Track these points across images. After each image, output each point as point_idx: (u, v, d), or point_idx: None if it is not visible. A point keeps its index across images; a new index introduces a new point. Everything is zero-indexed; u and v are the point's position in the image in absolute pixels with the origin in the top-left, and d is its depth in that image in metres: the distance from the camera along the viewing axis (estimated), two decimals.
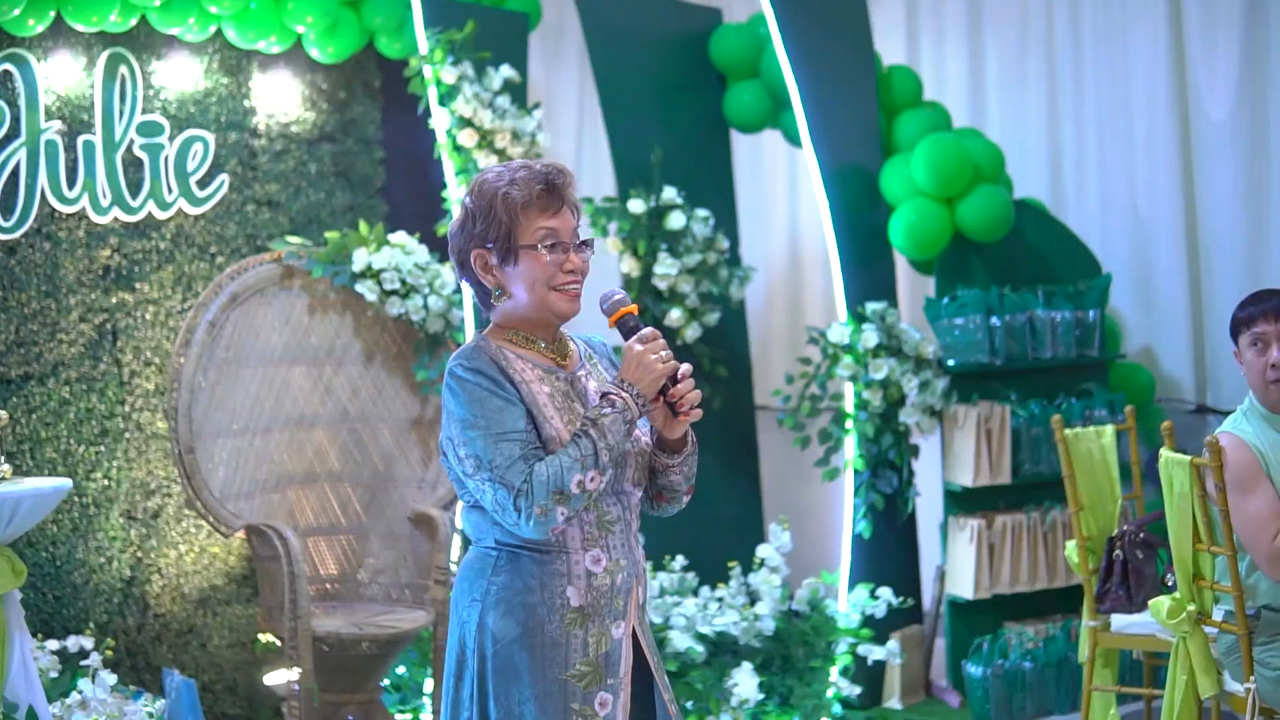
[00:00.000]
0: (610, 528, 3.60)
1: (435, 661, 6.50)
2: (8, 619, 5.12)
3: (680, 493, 3.77)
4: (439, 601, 6.45)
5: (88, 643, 6.14)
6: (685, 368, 3.59)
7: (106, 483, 6.74)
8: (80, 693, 5.34)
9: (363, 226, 6.91)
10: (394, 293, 6.79)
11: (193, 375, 6.39)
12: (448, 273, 6.94)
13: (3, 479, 5.23)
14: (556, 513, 3.42)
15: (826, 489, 7.69)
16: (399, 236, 6.90)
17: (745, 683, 6.43)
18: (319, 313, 6.89)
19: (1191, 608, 4.94)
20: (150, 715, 5.92)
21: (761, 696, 6.47)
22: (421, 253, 6.89)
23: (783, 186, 8.62)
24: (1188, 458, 4.87)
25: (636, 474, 3.67)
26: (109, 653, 6.16)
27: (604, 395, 3.55)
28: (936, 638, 7.28)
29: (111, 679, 5.63)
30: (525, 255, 3.54)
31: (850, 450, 6.97)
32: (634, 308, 3.67)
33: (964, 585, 6.89)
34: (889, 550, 7.07)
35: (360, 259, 6.76)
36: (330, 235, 6.88)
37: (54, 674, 5.80)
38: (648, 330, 3.60)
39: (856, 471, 6.97)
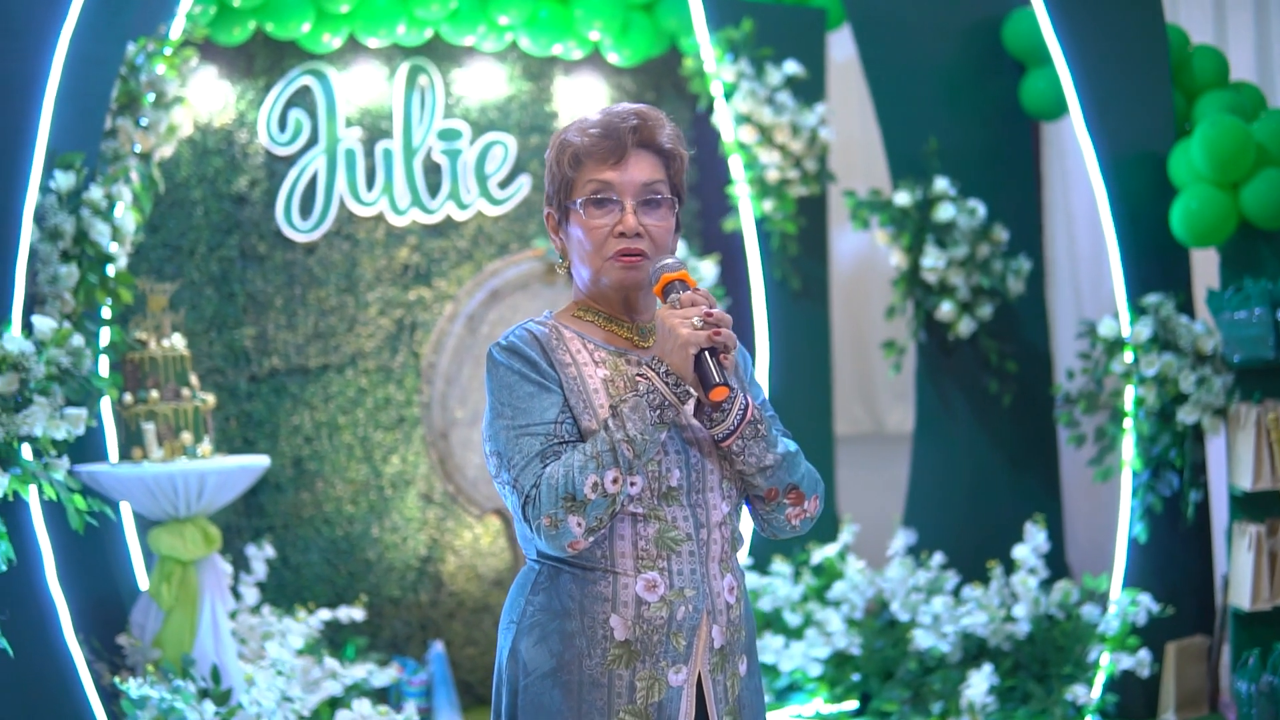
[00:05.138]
0: (674, 547, 2.93)
1: None
2: (201, 583, 5.60)
3: (761, 494, 3.02)
4: None
5: (357, 613, 6.60)
6: (727, 334, 2.88)
7: (403, 467, 7.19)
8: (268, 656, 5.75)
9: None
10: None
11: (448, 366, 6.75)
12: (706, 267, 7.06)
13: (201, 456, 5.72)
14: (570, 523, 2.81)
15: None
16: None
17: (977, 685, 6.26)
18: None
19: None
20: (401, 684, 6.33)
21: (989, 700, 6.27)
22: (680, 248, 7.02)
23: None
24: None
25: (726, 482, 3.01)
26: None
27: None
28: (1224, 648, 6.84)
29: (298, 644, 6.05)
30: (573, 214, 3.00)
31: (1128, 450, 6.65)
32: (684, 274, 2.94)
33: (1243, 595, 6.46)
34: (1172, 555, 6.71)
35: None
36: None
37: (297, 641, 6.25)
38: (685, 294, 2.91)
39: (1135, 472, 6.65)
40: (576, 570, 2.93)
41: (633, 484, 2.88)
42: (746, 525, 3.31)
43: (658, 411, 2.85)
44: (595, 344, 3.02)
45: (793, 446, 3.05)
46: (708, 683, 2.97)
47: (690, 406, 2.99)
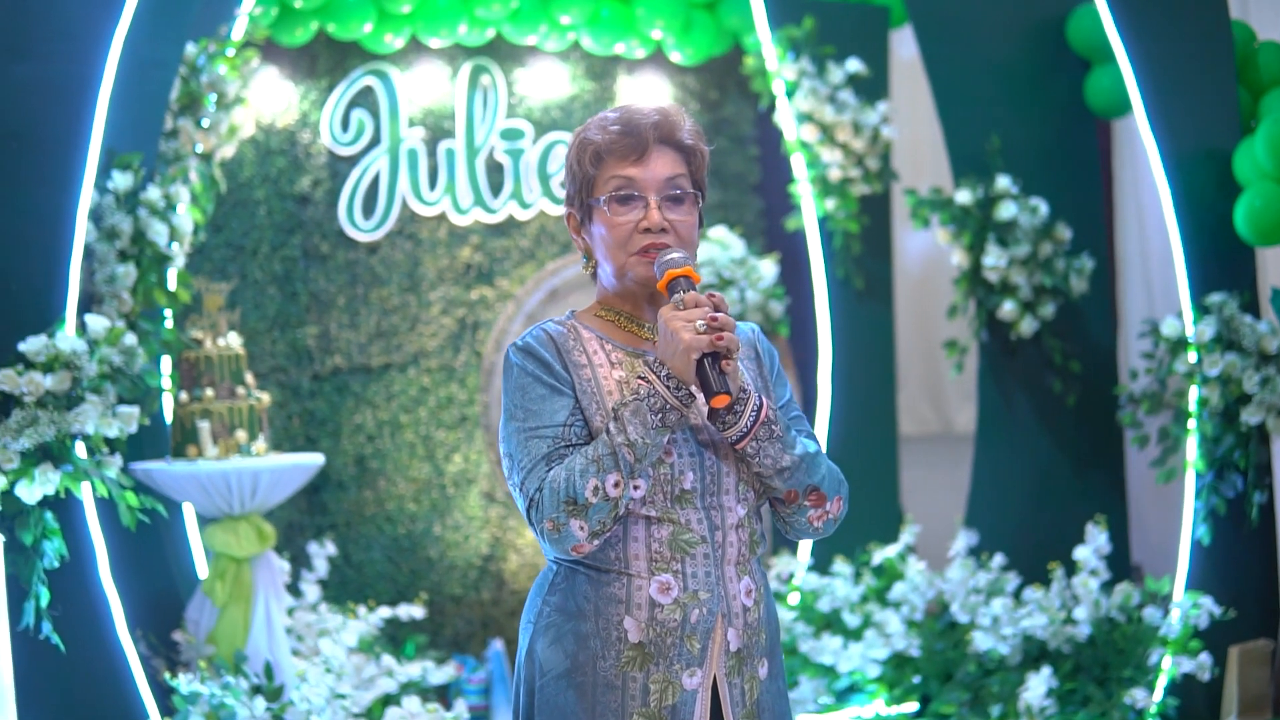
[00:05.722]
0: (688, 549, 2.92)
1: None
2: (255, 580, 5.65)
3: (781, 496, 3.00)
4: None
5: (417, 611, 6.63)
6: (730, 339, 2.84)
7: (465, 465, 7.23)
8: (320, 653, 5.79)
9: None
10: (711, 286, 6.95)
11: None
12: (765, 266, 7.04)
13: (256, 454, 5.77)
14: (572, 527, 2.82)
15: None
16: (717, 231, 7.07)
17: (1036, 687, 6.21)
18: None
19: None
20: (460, 681, 6.36)
21: (1049, 703, 6.22)
22: (739, 247, 7.03)
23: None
24: None
25: (743, 484, 2.99)
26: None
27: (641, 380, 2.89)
28: None
29: (351, 641, 6.09)
30: (596, 212, 2.99)
31: (1191, 451, 6.57)
32: (689, 270, 2.92)
33: None
34: (1236, 558, 6.61)
35: None
36: None
37: (351, 638, 6.29)
38: (689, 294, 2.88)
39: (1198, 474, 6.56)
40: (591, 572, 2.93)
41: (635, 488, 2.87)
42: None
43: (659, 415, 2.84)
44: (613, 344, 3.01)
45: (812, 447, 3.02)
46: (723, 686, 2.95)
47: (703, 409, 2.97)
